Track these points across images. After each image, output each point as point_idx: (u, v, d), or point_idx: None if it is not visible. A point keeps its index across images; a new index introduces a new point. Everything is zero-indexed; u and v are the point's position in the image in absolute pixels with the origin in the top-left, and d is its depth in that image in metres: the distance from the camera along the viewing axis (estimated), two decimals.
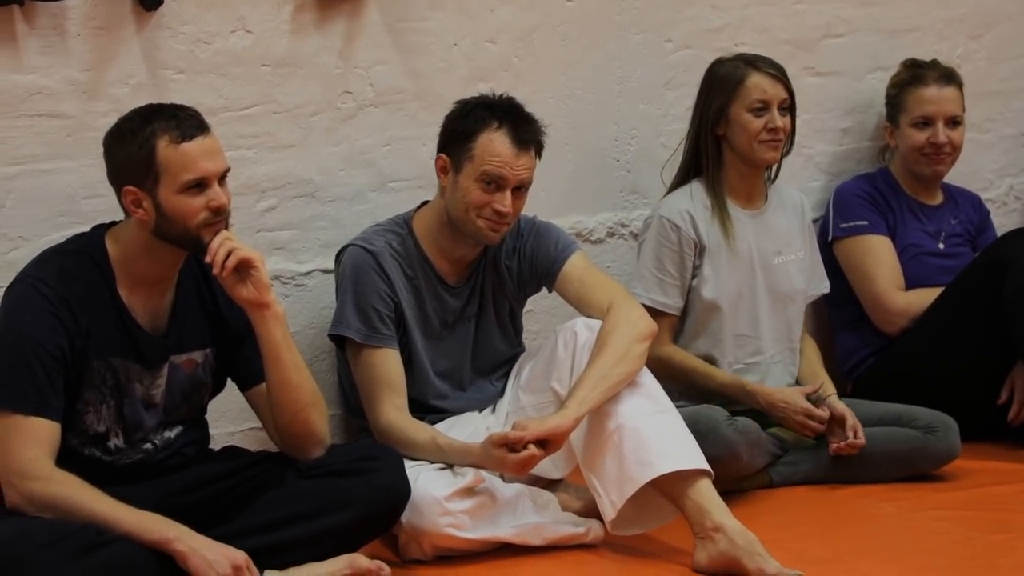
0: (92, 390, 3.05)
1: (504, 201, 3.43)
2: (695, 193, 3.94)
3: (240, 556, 2.92)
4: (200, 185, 2.99)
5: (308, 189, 3.80)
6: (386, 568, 3.08)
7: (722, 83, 3.92)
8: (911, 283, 4.30)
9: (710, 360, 3.93)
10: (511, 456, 3.24)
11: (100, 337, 3.03)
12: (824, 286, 4.16)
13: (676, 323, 3.94)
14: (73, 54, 3.45)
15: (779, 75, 3.89)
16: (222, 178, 3.04)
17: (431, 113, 3.80)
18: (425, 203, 3.65)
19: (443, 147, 3.52)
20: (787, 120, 3.89)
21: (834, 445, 3.83)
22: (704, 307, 3.92)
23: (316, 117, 3.79)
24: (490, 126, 3.45)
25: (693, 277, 3.92)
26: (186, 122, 3.00)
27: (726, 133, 3.93)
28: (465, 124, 3.48)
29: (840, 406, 3.87)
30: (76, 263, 3.05)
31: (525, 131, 3.47)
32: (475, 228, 3.47)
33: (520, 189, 3.48)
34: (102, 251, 3.07)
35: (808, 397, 3.85)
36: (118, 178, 3.03)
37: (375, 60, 3.86)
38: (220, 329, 3.18)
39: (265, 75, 3.71)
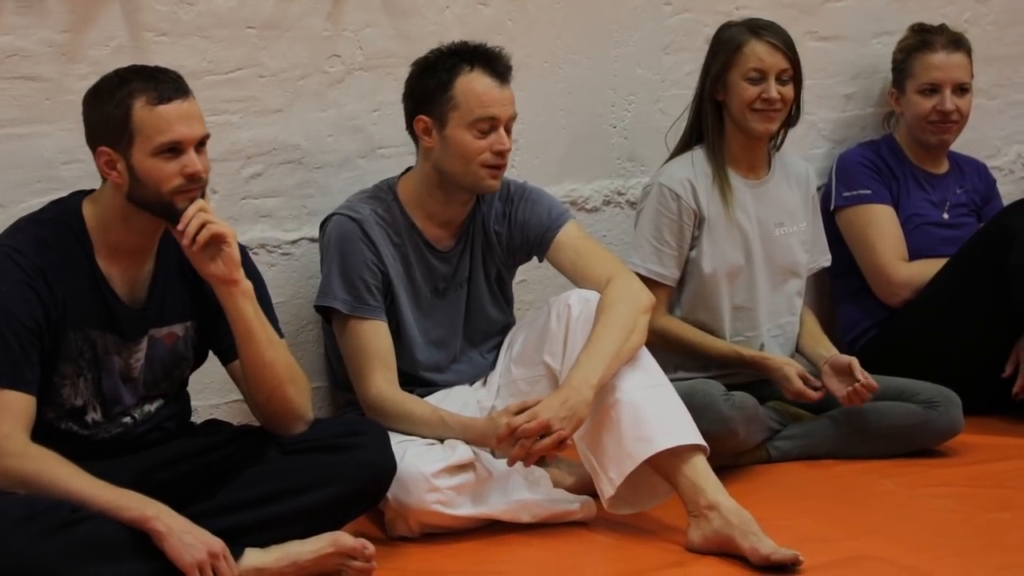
0: (69, 363, 2.97)
1: (502, 140, 3.36)
2: (696, 161, 3.85)
3: (217, 544, 2.84)
4: (174, 150, 2.92)
5: (295, 155, 3.72)
6: (370, 546, 3.00)
7: (724, 48, 3.83)
8: (914, 254, 4.23)
9: (709, 332, 3.84)
10: (535, 447, 3.16)
11: (77, 308, 2.95)
12: (825, 259, 4.07)
13: (672, 294, 3.86)
14: (51, 14, 3.37)
15: (780, 44, 3.78)
16: (200, 145, 2.96)
17: None
18: (409, 169, 3.56)
19: (417, 109, 3.42)
20: (788, 90, 3.78)
21: (844, 393, 3.72)
22: (702, 278, 3.84)
23: (303, 81, 3.71)
24: (463, 70, 3.37)
25: (691, 248, 3.84)
26: (165, 84, 2.93)
27: (725, 99, 3.83)
28: (436, 77, 3.39)
29: (843, 357, 3.77)
30: (52, 232, 2.97)
31: (499, 65, 3.39)
32: (476, 179, 3.39)
33: (508, 126, 3.40)
34: (79, 219, 2.99)
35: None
36: (94, 138, 2.96)
37: (364, 23, 3.77)
38: (201, 302, 3.10)
39: (250, 38, 3.62)
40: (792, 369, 3.77)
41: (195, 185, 2.94)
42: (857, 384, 3.72)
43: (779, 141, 3.94)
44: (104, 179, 2.98)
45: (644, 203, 3.88)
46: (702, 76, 3.90)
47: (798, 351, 3.95)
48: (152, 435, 3.09)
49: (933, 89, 4.27)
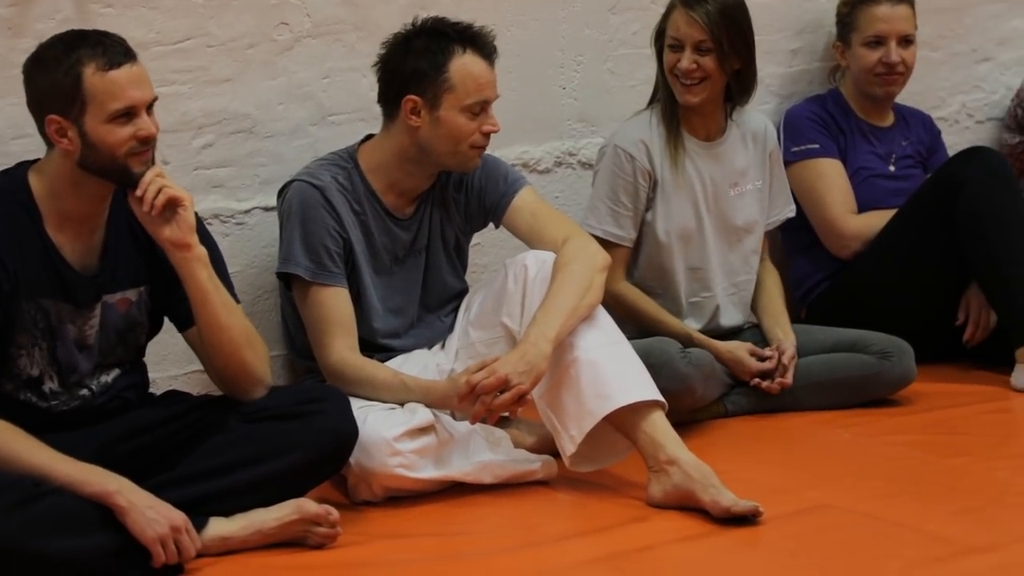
0: (24, 333, 2.96)
1: (492, 121, 3.40)
2: (654, 120, 3.86)
3: (179, 517, 2.85)
4: (128, 114, 2.91)
5: (246, 125, 3.71)
6: (335, 512, 3.02)
7: (665, 11, 3.83)
8: (863, 206, 4.26)
9: (665, 293, 3.87)
10: (495, 402, 3.18)
11: (29, 278, 2.94)
12: (789, 210, 4.07)
13: (629, 255, 3.87)
14: None
15: (700, 15, 3.71)
16: (150, 107, 2.96)
17: (370, 44, 3.70)
18: (369, 137, 3.55)
19: (406, 88, 3.39)
20: (707, 61, 3.72)
21: (763, 383, 3.79)
22: (656, 241, 3.85)
23: (252, 50, 3.69)
24: (456, 52, 3.37)
25: (647, 209, 3.85)
26: (112, 49, 2.91)
27: None
28: (428, 58, 3.38)
29: (784, 345, 3.83)
30: None
31: (488, 46, 3.42)
32: (463, 159, 3.42)
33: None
34: (26, 189, 2.97)
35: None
36: (41, 107, 2.93)
37: None
38: (154, 267, 3.09)
39: (197, 7, 3.61)
40: (743, 351, 3.81)
41: (147, 147, 2.94)
42: (779, 379, 3.77)
43: (729, 111, 3.90)
44: (50, 147, 2.96)
45: (600, 164, 3.89)
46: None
47: (758, 322, 3.98)
48: (112, 404, 3.09)
49: (878, 41, 4.30)
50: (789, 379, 3.80)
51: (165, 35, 3.55)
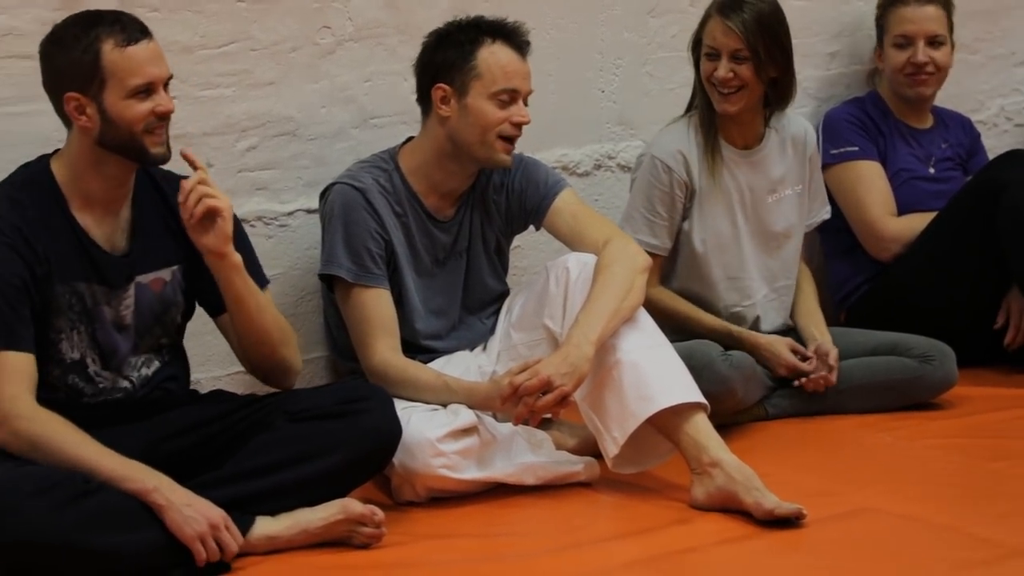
0: (61, 317, 3.00)
1: (522, 111, 3.41)
2: (691, 129, 3.84)
3: (217, 515, 2.87)
4: (147, 90, 2.96)
5: (289, 127, 3.73)
6: (380, 513, 3.03)
7: (701, 20, 3.82)
8: (903, 208, 4.26)
9: (704, 303, 3.86)
10: (538, 404, 3.18)
11: (60, 262, 2.98)
12: (825, 211, 4.06)
13: (664, 263, 3.87)
14: None
15: (736, 24, 3.68)
16: (166, 84, 3.00)
17: (412, 47, 3.70)
18: (410, 139, 3.57)
19: (436, 77, 3.43)
20: (744, 69, 3.70)
21: (811, 378, 3.79)
22: (693, 250, 3.84)
23: (295, 53, 3.71)
24: (485, 42, 3.40)
25: (684, 219, 3.84)
26: (130, 26, 2.97)
27: None
28: (457, 48, 3.42)
29: (826, 345, 3.82)
30: (23, 191, 3.00)
31: (519, 39, 3.44)
32: (491, 150, 3.42)
33: (526, 100, 3.44)
34: (49, 176, 3.02)
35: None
36: (59, 85, 2.98)
37: None
38: (184, 248, 3.12)
39: (241, 11, 3.63)
40: (782, 345, 3.80)
41: (164, 123, 2.99)
42: (823, 374, 3.77)
43: (767, 117, 3.87)
44: (69, 128, 3.00)
45: (636, 173, 3.88)
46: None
47: (794, 324, 3.96)
48: (154, 395, 3.12)
49: (906, 41, 4.29)
50: (834, 378, 3.79)
51: (209, 39, 3.58)
